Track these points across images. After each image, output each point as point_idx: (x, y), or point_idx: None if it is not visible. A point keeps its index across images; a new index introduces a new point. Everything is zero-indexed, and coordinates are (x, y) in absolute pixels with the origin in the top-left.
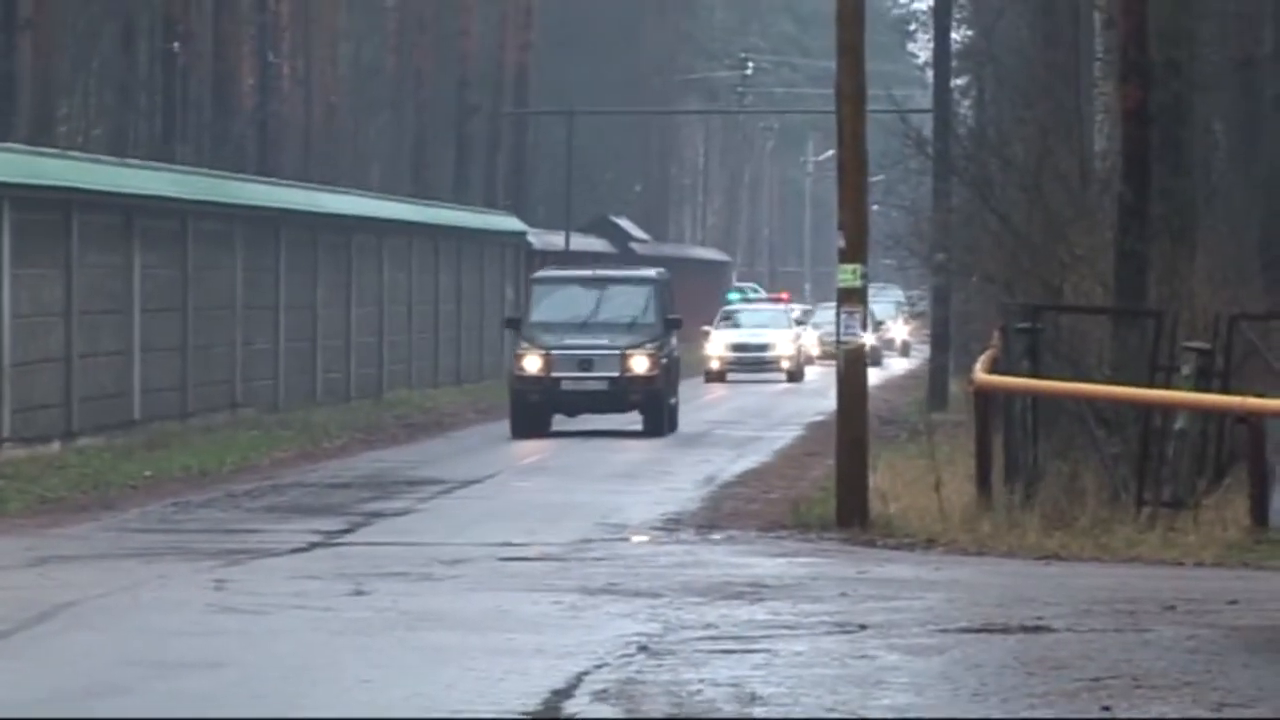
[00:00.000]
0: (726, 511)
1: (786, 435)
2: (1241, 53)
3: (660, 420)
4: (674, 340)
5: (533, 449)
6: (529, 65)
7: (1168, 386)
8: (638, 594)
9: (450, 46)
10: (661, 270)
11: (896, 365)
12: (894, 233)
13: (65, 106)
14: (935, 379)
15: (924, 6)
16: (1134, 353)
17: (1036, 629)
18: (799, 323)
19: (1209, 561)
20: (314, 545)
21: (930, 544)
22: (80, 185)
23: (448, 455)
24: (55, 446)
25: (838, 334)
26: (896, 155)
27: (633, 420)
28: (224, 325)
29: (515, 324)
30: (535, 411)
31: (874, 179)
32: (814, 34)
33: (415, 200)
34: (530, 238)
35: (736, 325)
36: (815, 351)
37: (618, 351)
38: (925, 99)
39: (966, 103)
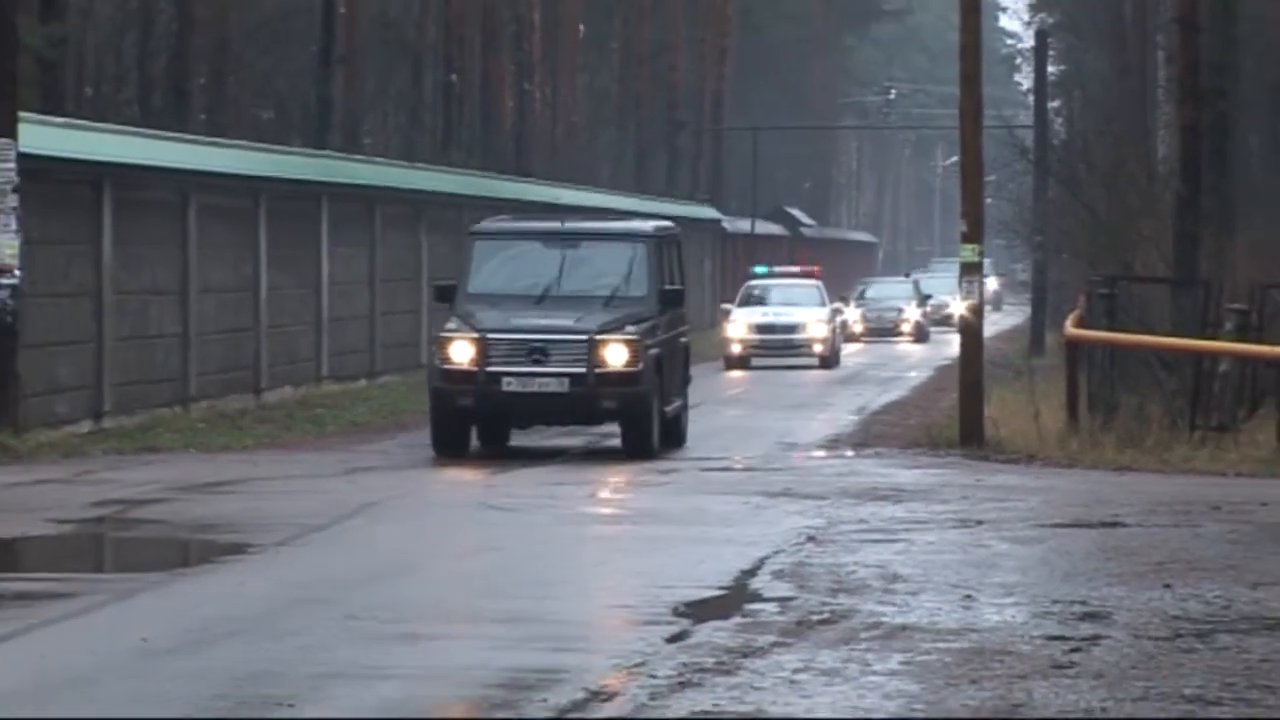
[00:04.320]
0: (875, 433)
1: (927, 374)
2: (1274, 80)
3: (647, 436)
4: (679, 321)
5: (731, 382)
6: (723, 92)
7: (1214, 338)
8: (807, 496)
9: (663, 78)
10: (665, 224)
11: (952, 345)
12: (1003, 220)
13: (369, 123)
14: (1035, 332)
15: (1027, 46)
16: (1188, 313)
17: (1113, 524)
18: (843, 299)
19: (1246, 473)
20: (561, 458)
21: (1031, 459)
22: (380, 184)
23: None
24: (362, 383)
25: (965, 294)
26: (1005, 160)
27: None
28: None
29: (448, 295)
30: (464, 420)
31: (988, 178)
32: (942, 67)
33: (636, 195)
34: (724, 224)
35: (762, 303)
36: (859, 329)
37: (584, 337)
38: (1027, 117)
39: (1059, 120)
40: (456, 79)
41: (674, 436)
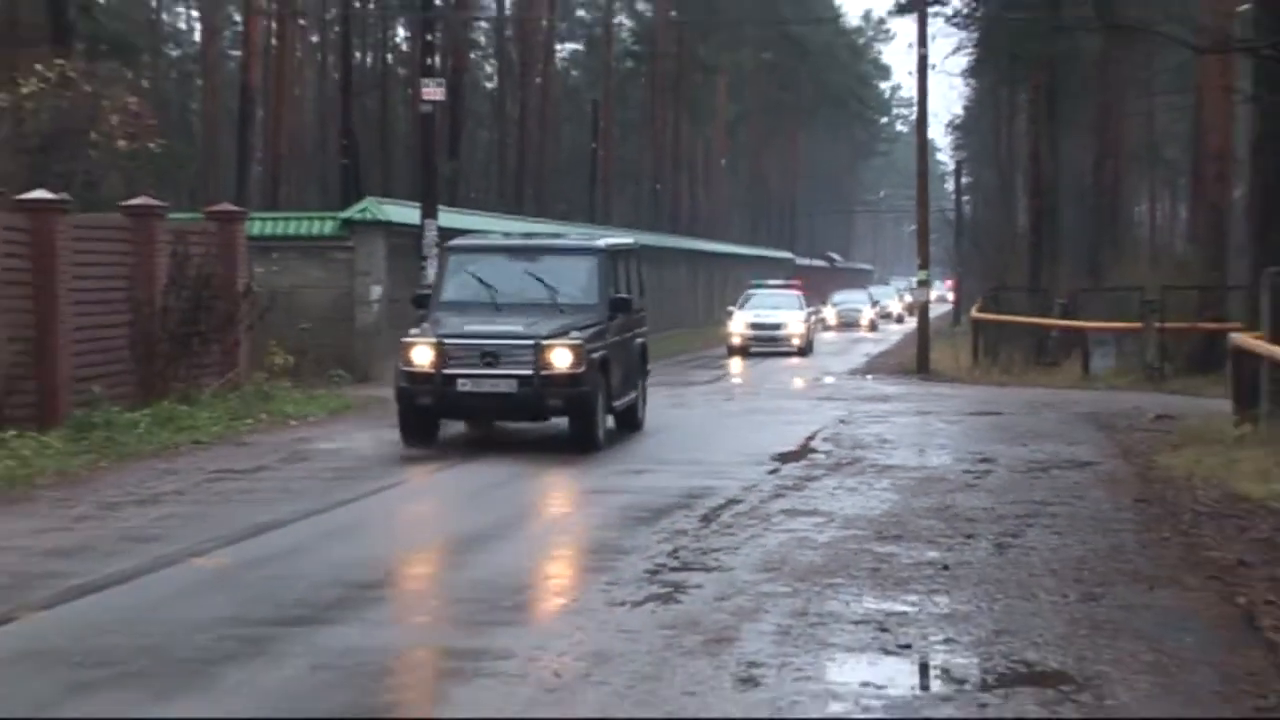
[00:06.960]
0: (876, 367)
1: (896, 339)
2: (1079, 188)
3: (592, 431)
4: (633, 324)
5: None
6: (796, 193)
7: (1049, 317)
8: (840, 399)
9: (764, 186)
10: (617, 241)
11: (893, 329)
12: (940, 259)
13: (614, 213)
14: (955, 315)
15: (951, 169)
16: (1036, 304)
17: (998, 414)
18: (821, 303)
19: (1066, 387)
20: (710, 381)
21: (953, 380)
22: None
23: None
24: None
25: (917, 298)
26: (940, 228)
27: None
28: (673, 309)
29: (423, 303)
30: (427, 418)
31: (932, 236)
32: (909, 180)
33: (750, 245)
34: (795, 260)
35: (755, 307)
36: (833, 323)
37: (531, 342)
38: (951, 205)
39: (970, 207)
40: (661, 187)
41: (630, 424)
